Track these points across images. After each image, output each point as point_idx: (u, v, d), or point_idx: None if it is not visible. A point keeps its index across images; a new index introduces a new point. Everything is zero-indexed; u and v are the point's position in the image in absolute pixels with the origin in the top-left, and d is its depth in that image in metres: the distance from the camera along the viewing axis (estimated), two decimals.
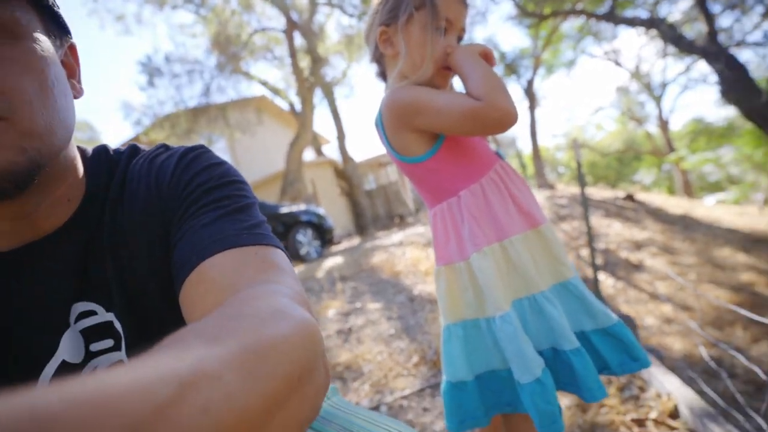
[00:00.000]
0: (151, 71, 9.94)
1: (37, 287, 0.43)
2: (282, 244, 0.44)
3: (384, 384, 1.80)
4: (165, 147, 0.50)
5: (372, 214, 12.74)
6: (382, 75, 0.93)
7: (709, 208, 9.34)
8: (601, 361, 0.78)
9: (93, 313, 0.44)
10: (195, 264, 0.38)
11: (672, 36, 3.91)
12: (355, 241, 8.36)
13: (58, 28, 0.41)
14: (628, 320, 2.12)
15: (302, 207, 6.39)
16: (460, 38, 0.85)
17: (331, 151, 15.32)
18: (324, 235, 6.36)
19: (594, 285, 2.44)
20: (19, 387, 0.35)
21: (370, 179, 16.04)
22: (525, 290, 0.77)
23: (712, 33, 3.55)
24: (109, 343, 0.45)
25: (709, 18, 3.66)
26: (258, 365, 0.20)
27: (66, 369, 0.43)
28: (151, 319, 0.46)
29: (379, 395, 1.71)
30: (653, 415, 1.30)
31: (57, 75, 0.38)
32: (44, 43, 0.37)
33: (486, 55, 0.80)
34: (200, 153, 0.49)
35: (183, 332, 0.22)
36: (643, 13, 7.67)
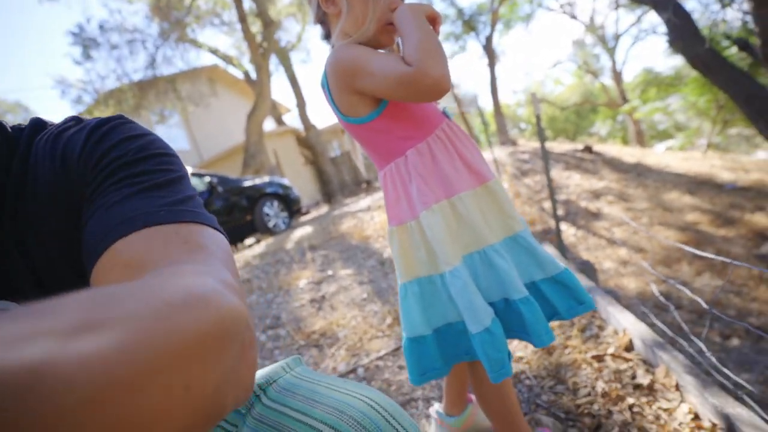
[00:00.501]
0: (86, 42, 9.12)
1: None
2: (216, 221, 0.39)
3: (359, 347, 1.84)
4: (76, 120, 0.44)
5: (338, 181, 12.61)
6: (327, 36, 0.90)
7: (659, 155, 9.83)
8: (551, 308, 0.82)
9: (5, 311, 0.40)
10: (104, 247, 0.34)
11: None
12: (323, 209, 8.30)
13: None
14: (588, 266, 2.24)
15: (266, 179, 6.23)
16: None
17: (292, 119, 14.84)
18: (291, 205, 6.27)
19: (557, 235, 2.54)
20: None
21: (334, 146, 15.75)
22: (475, 245, 0.80)
23: None
24: None
25: None
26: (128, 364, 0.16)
27: None
28: None
29: (356, 358, 1.75)
30: (611, 350, 1.40)
31: None
32: None
33: (432, 18, 0.77)
34: (117, 124, 0.43)
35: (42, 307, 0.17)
36: None
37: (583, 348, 1.46)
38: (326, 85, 0.82)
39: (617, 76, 17.42)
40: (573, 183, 5.86)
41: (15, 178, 0.41)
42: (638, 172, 7.08)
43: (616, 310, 1.57)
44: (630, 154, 9.29)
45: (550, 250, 2.45)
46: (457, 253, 0.78)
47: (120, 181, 0.38)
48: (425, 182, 0.79)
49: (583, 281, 1.90)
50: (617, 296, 2.22)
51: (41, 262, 0.41)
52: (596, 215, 4.98)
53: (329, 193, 11.72)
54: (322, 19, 0.89)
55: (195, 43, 10.56)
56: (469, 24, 12.54)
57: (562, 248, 2.46)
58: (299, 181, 12.43)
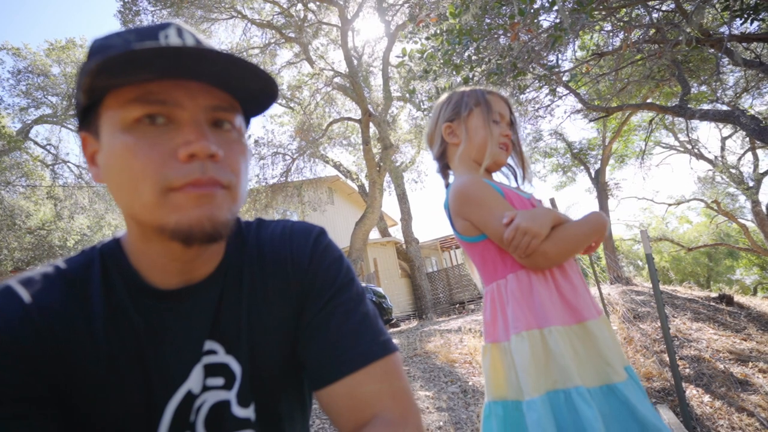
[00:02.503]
0: None
1: (185, 323, 0.51)
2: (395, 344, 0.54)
3: None
4: (288, 221, 0.61)
5: (432, 298, 12.45)
6: (443, 170, 1.08)
7: None
8: None
9: (214, 352, 0.51)
10: (340, 375, 0.50)
11: (754, 128, 3.72)
12: (413, 323, 8.14)
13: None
14: None
15: (362, 285, 6.48)
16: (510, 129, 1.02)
17: (396, 231, 15.74)
18: (382, 314, 6.33)
19: (679, 398, 2.13)
20: (151, 407, 0.47)
21: (432, 261, 15.94)
22: (562, 383, 0.77)
23: None
24: (220, 381, 0.51)
25: None
26: None
27: (187, 398, 0.49)
28: (267, 370, 0.53)
29: None
30: None
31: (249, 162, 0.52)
32: (247, 141, 0.52)
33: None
34: (329, 242, 0.59)
35: None
36: (723, 106, 7.42)
37: None
38: (447, 207, 0.96)
39: (762, 219, 15.28)
40: (705, 337, 4.97)
41: (252, 260, 0.56)
42: None
43: None
44: None
45: (668, 415, 2.05)
46: (540, 386, 0.76)
47: (342, 305, 0.54)
48: (520, 308, 0.83)
49: None
50: None
51: (259, 329, 0.53)
52: (744, 384, 4.03)
53: (421, 309, 11.57)
54: (441, 155, 1.06)
55: (324, 158, 12.34)
56: (579, 158, 12.65)
57: (687, 415, 2.04)
58: (394, 291, 12.59)
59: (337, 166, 12.67)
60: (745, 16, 3.47)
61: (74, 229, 11.24)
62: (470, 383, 2.89)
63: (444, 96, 1.08)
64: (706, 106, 6.65)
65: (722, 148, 13.60)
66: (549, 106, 5.84)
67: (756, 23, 3.78)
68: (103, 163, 0.46)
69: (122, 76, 0.41)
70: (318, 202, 12.24)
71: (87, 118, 0.47)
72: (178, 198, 0.43)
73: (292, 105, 11.97)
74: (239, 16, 10.46)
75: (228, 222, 0.46)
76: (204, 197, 0.43)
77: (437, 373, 3.20)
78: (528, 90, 4.63)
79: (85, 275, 0.50)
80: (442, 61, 3.25)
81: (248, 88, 0.47)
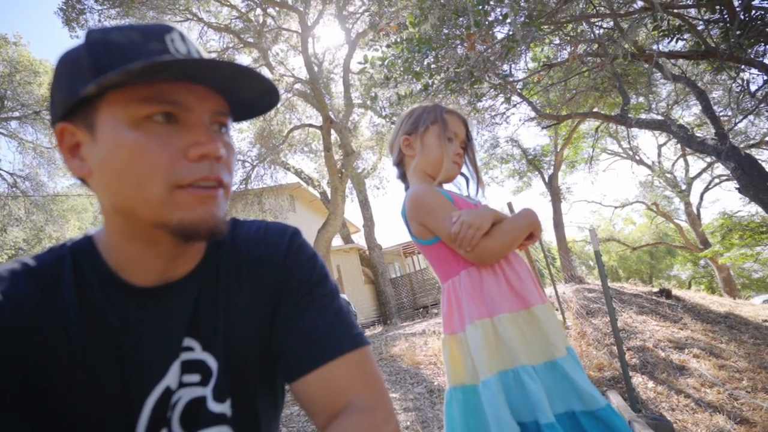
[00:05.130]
0: None
1: (163, 320, 0.51)
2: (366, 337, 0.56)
3: None
4: (264, 222, 0.63)
5: (396, 303, 12.53)
6: (402, 176, 1.17)
7: (756, 307, 8.72)
8: None
9: (192, 349, 0.52)
10: (315, 365, 0.51)
11: (683, 136, 4.09)
12: (378, 329, 8.17)
13: None
14: (663, 424, 1.96)
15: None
16: (464, 146, 1.10)
17: (359, 238, 15.72)
18: None
19: (626, 384, 2.30)
20: (129, 404, 0.48)
21: (396, 267, 16.05)
22: (511, 363, 0.85)
23: (721, 133, 3.72)
24: (196, 378, 0.51)
25: (714, 119, 3.87)
26: None
27: (165, 394, 0.49)
28: (243, 366, 0.53)
29: None
30: None
31: None
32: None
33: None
34: (303, 241, 0.61)
35: None
36: (658, 116, 8.06)
37: None
38: (404, 214, 1.03)
39: (693, 219, 16.65)
40: (648, 329, 5.34)
41: (230, 256, 0.57)
42: (729, 324, 6.28)
43: None
44: (718, 303, 8.36)
45: (617, 399, 2.21)
46: (493, 368, 0.84)
47: (315, 300, 0.55)
48: (473, 300, 0.91)
49: None
50: None
51: (235, 325, 0.54)
52: (681, 369, 4.37)
53: (386, 314, 11.61)
54: (400, 162, 1.14)
55: (284, 165, 12.17)
56: (534, 163, 13.25)
57: (633, 399, 2.20)
58: (358, 298, 12.57)
59: (299, 173, 12.54)
60: (671, 36, 3.85)
61: (7, 243, 10.36)
62: (435, 383, 2.96)
63: (408, 109, 1.16)
64: (644, 116, 7.20)
65: (659, 155, 14.74)
66: (504, 113, 6.11)
67: (681, 42, 4.21)
68: (100, 158, 0.45)
69: (142, 78, 0.41)
70: (279, 210, 12.02)
71: (75, 110, 0.46)
72: (182, 196, 0.44)
73: None
74: (195, 18, 10.15)
75: (225, 220, 0.48)
76: (208, 198, 0.46)
77: (403, 376, 3.25)
78: (484, 98, 4.83)
79: (55, 272, 0.49)
80: (402, 68, 3.35)
81: (249, 97, 0.49)
